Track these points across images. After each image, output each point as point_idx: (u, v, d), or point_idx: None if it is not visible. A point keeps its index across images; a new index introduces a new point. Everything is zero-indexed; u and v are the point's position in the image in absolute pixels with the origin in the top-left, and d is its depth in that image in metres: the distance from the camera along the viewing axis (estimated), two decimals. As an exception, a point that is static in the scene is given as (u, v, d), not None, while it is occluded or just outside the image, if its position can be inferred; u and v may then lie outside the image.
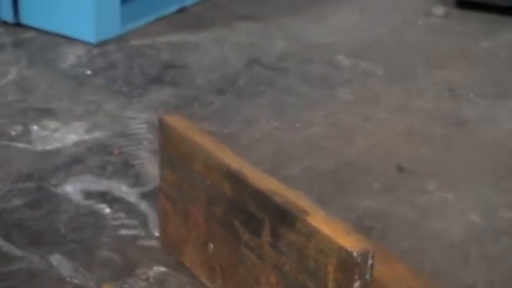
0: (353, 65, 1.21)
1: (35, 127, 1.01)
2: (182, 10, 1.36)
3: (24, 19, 1.26)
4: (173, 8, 1.35)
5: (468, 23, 1.37)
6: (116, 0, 1.24)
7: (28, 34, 1.24)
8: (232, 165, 0.75)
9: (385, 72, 1.19)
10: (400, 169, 0.95)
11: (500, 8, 1.38)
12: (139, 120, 1.04)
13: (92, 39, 1.21)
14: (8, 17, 1.26)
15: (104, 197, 0.89)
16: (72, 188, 0.90)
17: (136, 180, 0.92)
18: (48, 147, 0.97)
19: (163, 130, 0.81)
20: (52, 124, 1.02)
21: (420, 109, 1.10)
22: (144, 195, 0.89)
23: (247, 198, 0.73)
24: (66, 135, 0.99)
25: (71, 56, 1.18)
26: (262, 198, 0.71)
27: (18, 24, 1.26)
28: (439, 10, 1.39)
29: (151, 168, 0.94)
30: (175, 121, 0.80)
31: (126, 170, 0.94)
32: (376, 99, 1.11)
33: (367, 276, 0.62)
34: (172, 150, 0.82)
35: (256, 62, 1.20)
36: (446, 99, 1.12)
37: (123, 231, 0.84)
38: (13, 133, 0.99)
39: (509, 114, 1.09)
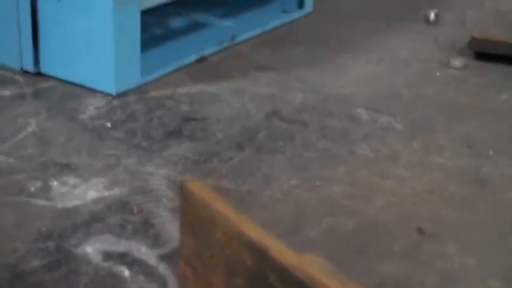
0: (372, 119, 1.20)
1: (55, 183, 1.01)
2: (201, 60, 1.36)
3: (45, 68, 1.26)
4: (192, 58, 1.35)
5: (487, 75, 1.37)
6: (136, 50, 1.23)
7: (48, 84, 1.25)
8: (253, 236, 0.74)
9: (403, 126, 1.18)
10: (421, 231, 0.94)
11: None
12: (158, 176, 1.03)
13: (112, 90, 1.22)
14: (29, 65, 1.26)
15: (123, 258, 0.88)
16: (91, 249, 0.90)
17: (156, 240, 0.92)
18: (68, 204, 0.97)
19: (184, 196, 0.81)
20: (72, 180, 1.02)
21: (440, 167, 1.09)
22: (164, 257, 0.89)
23: (268, 271, 0.72)
24: (85, 192, 0.99)
25: (91, 108, 1.18)
26: (284, 273, 0.70)
27: (38, 74, 1.26)
28: (458, 61, 1.39)
29: (170, 228, 0.93)
30: (196, 187, 0.80)
31: (146, 229, 0.93)
32: (395, 155, 1.11)
33: None
34: (192, 216, 0.81)
35: (275, 115, 1.20)
36: (465, 156, 1.12)
37: (143, 295, 0.84)
38: (32, 189, 0.99)
39: (530, 172, 1.08)
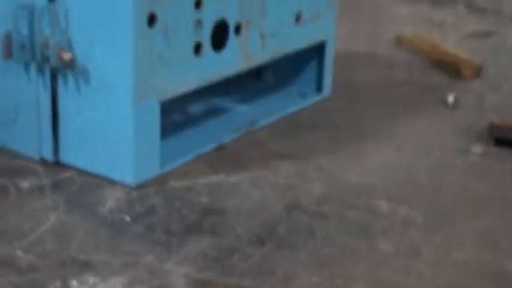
0: (392, 210, 1.19)
1: (74, 282, 1.00)
2: (220, 148, 1.35)
3: (64, 158, 1.26)
4: (211, 146, 1.34)
5: (507, 163, 1.36)
6: (156, 141, 1.23)
7: (67, 174, 1.24)
8: None
9: (424, 219, 1.17)
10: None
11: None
12: (177, 274, 1.02)
13: (131, 181, 1.21)
14: (48, 155, 1.26)
15: None
16: None
17: None
18: (88, 306, 0.97)
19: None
20: (91, 279, 1.00)
21: (461, 262, 1.07)
22: None
23: None
24: (105, 293, 0.99)
25: (110, 200, 1.18)
26: None
27: (57, 163, 1.26)
28: (478, 148, 1.38)
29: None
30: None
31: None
32: (416, 250, 1.09)
33: None
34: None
35: (295, 207, 1.19)
36: (487, 251, 1.10)
37: None
38: (52, 289, 0.99)
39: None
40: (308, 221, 1.16)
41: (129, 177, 1.21)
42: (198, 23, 1.23)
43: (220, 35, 1.28)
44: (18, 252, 1.04)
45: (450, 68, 1.72)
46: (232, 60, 1.30)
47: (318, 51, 1.52)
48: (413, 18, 2.11)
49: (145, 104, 1.18)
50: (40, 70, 1.20)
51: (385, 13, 2.09)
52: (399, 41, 1.86)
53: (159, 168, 1.25)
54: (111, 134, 1.20)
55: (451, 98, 1.57)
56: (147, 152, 1.21)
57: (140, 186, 1.21)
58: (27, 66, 1.21)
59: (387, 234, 1.13)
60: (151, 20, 1.15)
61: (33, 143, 1.26)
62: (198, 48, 1.24)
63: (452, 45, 1.88)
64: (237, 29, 1.30)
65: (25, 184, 1.21)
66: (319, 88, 1.55)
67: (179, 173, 1.26)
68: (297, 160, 1.32)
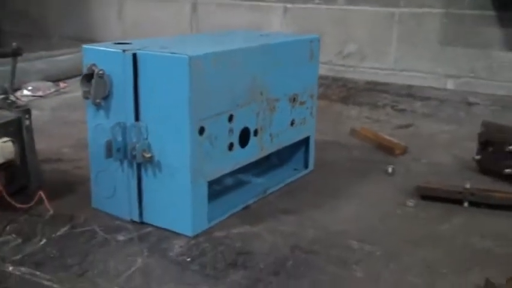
0: (360, 247, 1.10)
1: (154, 307, 0.91)
2: (246, 208, 1.27)
3: (146, 219, 1.17)
4: (240, 207, 1.26)
5: (432, 211, 1.27)
6: (205, 206, 1.15)
7: (148, 229, 1.16)
8: None
9: (382, 253, 1.08)
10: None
11: (453, 200, 1.30)
12: (223, 299, 0.94)
13: (190, 233, 1.13)
14: (135, 217, 1.18)
15: None
16: None
17: None
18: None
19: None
20: (165, 304, 0.92)
21: (413, 283, 0.98)
22: None
23: None
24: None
25: (176, 247, 1.09)
26: None
27: (142, 223, 1.18)
28: (411, 202, 1.30)
29: None
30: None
31: None
32: (379, 275, 1.00)
33: None
34: None
35: (297, 248, 1.09)
36: (428, 275, 1.01)
37: None
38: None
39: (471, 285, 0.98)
40: (306, 257, 1.07)
41: (188, 231, 1.12)
42: (230, 131, 1.15)
43: (245, 137, 1.21)
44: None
45: (387, 149, 1.64)
46: (253, 152, 1.22)
47: (304, 141, 1.44)
48: (359, 117, 2.04)
49: (198, 184, 1.10)
50: (130, 164, 1.12)
51: (342, 115, 2.02)
52: (352, 132, 1.79)
53: (207, 224, 1.16)
54: (177, 203, 1.12)
55: (390, 169, 1.49)
56: (199, 214, 1.13)
57: (195, 237, 1.12)
58: (121, 162, 1.13)
59: (359, 265, 1.04)
60: (201, 131, 1.08)
61: (126, 210, 1.17)
62: (231, 147, 1.17)
63: (386, 133, 1.80)
64: (255, 133, 1.23)
65: (121, 237, 1.12)
66: (306, 165, 1.47)
67: (220, 226, 1.17)
68: (296, 214, 1.24)
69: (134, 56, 1.09)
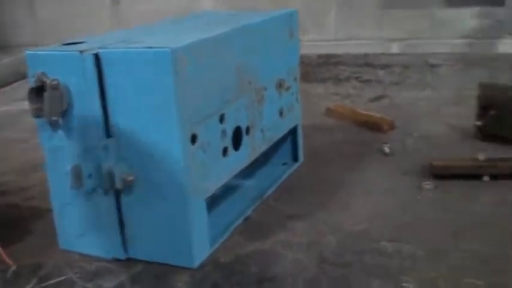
0: (396, 249, 0.93)
1: None
2: (246, 219, 1.07)
3: (133, 254, 0.95)
4: (240, 220, 1.06)
5: (455, 191, 1.12)
6: (205, 227, 0.94)
7: (138, 268, 0.93)
8: None
9: (424, 252, 0.92)
10: None
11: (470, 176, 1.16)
12: None
13: (193, 265, 0.92)
14: (119, 254, 0.95)
15: None
16: None
17: None
18: None
19: None
20: None
21: (472, 284, 0.82)
22: None
23: None
24: None
25: (180, 284, 0.88)
26: None
27: (128, 260, 0.95)
28: (428, 185, 1.14)
29: None
30: None
31: None
32: (432, 281, 0.84)
33: None
34: None
35: (324, 261, 0.91)
36: (488, 273, 0.86)
37: None
38: None
39: None
40: (340, 272, 0.89)
41: (189, 262, 0.91)
42: (223, 133, 0.95)
43: (237, 138, 1.00)
44: None
45: (373, 126, 1.49)
46: (247, 154, 1.02)
47: (290, 132, 1.26)
48: (327, 94, 1.88)
49: (195, 203, 0.89)
50: (106, 191, 0.89)
51: (309, 94, 1.85)
52: (328, 112, 1.62)
53: (210, 248, 0.95)
54: (172, 230, 0.90)
55: (387, 149, 1.33)
56: (200, 239, 0.92)
57: (200, 267, 0.92)
58: (93, 190, 0.90)
59: (406, 273, 0.87)
60: (194, 139, 0.87)
61: (106, 247, 0.95)
62: (225, 152, 0.96)
63: (362, 108, 1.65)
64: (247, 131, 1.02)
65: (107, 284, 0.90)
66: (295, 158, 1.29)
67: (224, 249, 0.98)
68: (305, 218, 1.06)
69: (96, 57, 0.85)
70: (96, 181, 0.89)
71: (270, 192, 1.17)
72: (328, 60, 2.36)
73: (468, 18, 2.81)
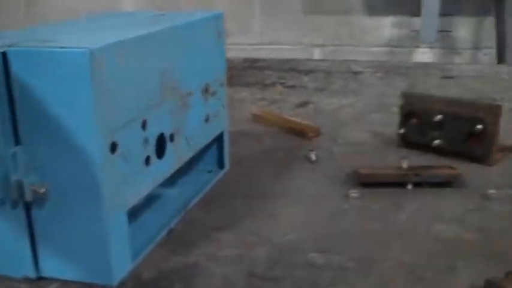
0: (326, 261, 0.91)
1: None
2: (170, 232, 1.01)
3: (45, 272, 0.87)
4: (163, 232, 1.00)
5: (381, 200, 1.12)
6: (126, 242, 0.87)
7: (53, 286, 0.85)
8: None
9: (355, 264, 0.90)
10: None
11: (395, 184, 1.16)
12: None
13: (111, 282, 0.85)
14: (30, 272, 0.87)
15: None
16: None
17: None
18: None
19: None
20: None
21: None
22: None
23: None
24: None
25: (99, 305, 0.81)
26: None
27: (40, 278, 0.87)
28: (355, 193, 1.13)
29: None
30: None
31: None
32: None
33: None
34: None
35: (253, 276, 0.87)
36: (414, 282, 0.85)
37: None
38: None
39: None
40: (271, 287, 0.85)
41: (108, 279, 0.84)
42: (145, 141, 0.89)
43: (160, 146, 0.94)
44: None
45: (298, 133, 1.47)
46: (171, 163, 0.97)
47: (216, 138, 1.21)
48: (253, 99, 1.85)
49: (115, 216, 0.82)
50: (13, 205, 0.81)
51: (234, 99, 1.81)
52: (254, 118, 1.59)
53: (131, 263, 0.89)
54: (89, 245, 0.83)
55: (313, 156, 1.32)
56: (120, 254, 0.85)
57: (120, 285, 0.85)
58: (3, 202, 0.81)
59: (336, 286, 0.84)
60: (113, 147, 0.80)
61: (14, 265, 0.86)
62: (147, 161, 0.90)
63: (288, 114, 1.63)
64: (171, 138, 0.97)
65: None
66: (221, 165, 1.24)
67: (146, 263, 0.91)
68: (231, 229, 1.01)
69: (3, 56, 0.76)
70: (3, 193, 0.80)
71: (194, 201, 1.11)
72: (253, 64, 2.34)
73: (388, 26, 2.89)
